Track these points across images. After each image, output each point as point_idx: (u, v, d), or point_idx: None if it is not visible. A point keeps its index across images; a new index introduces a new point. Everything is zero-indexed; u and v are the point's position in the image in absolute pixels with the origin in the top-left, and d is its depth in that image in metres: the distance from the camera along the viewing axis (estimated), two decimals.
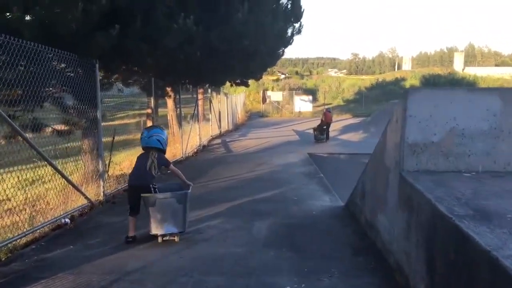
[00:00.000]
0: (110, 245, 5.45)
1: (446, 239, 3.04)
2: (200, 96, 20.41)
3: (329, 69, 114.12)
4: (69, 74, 7.02)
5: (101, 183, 7.67)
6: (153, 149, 5.67)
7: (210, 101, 20.31)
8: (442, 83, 51.99)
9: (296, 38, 13.21)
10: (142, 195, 5.44)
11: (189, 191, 5.62)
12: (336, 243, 5.47)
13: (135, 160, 5.88)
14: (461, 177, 4.06)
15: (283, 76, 75.36)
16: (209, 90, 20.63)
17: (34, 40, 5.66)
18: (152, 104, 10.85)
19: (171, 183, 6.27)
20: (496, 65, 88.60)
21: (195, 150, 15.64)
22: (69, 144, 7.97)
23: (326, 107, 23.24)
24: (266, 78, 54.52)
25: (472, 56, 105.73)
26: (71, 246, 5.40)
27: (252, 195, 8.30)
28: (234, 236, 5.74)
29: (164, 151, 5.83)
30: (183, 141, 14.01)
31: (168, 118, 19.38)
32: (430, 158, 4.19)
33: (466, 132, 4.15)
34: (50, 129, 8.14)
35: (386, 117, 19.02)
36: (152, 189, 5.55)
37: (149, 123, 14.82)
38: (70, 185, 6.79)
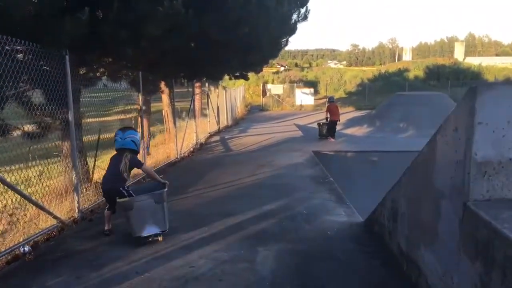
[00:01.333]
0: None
1: None
2: (197, 91, 19.21)
3: (329, 61, 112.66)
4: (32, 68, 5.77)
5: (76, 197, 6.45)
6: (127, 150, 5.65)
7: (208, 96, 19.06)
8: (446, 74, 50.62)
9: (300, 26, 11.78)
10: (118, 200, 5.40)
11: (166, 189, 5.55)
12: (364, 282, 4.27)
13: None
14: None
15: (282, 68, 73.99)
16: (207, 84, 19.38)
17: None
18: (140, 101, 9.58)
19: (145, 185, 6.29)
20: (497, 55, 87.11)
21: (191, 149, 14.43)
22: (34, 147, 6.74)
23: (329, 96, 21.65)
24: (266, 71, 53.13)
25: (472, 46, 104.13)
26: None
27: (254, 208, 7.09)
28: (233, 272, 4.53)
29: (137, 153, 5.84)
30: (178, 139, 12.80)
31: (163, 114, 18.15)
32: (507, 181, 2.98)
33: None
34: (17, 130, 6.95)
35: (392, 110, 17.95)
36: (125, 192, 5.46)
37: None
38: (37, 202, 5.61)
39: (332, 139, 17.46)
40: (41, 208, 5.60)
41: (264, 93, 41.63)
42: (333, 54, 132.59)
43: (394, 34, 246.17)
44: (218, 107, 21.29)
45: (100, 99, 9.03)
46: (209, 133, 18.68)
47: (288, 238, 5.60)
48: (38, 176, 5.94)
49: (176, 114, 13.88)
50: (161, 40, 6.75)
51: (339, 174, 11.75)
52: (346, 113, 30.52)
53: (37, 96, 6.48)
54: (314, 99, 41.33)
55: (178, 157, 12.47)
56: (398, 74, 53.69)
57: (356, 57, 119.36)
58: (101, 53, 7.15)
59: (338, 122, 18.23)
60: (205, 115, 19.67)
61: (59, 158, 7.41)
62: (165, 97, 17.18)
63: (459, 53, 70.90)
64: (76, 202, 6.44)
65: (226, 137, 18.65)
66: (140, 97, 9.59)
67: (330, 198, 7.84)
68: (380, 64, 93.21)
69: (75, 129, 7.60)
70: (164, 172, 10.61)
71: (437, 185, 3.52)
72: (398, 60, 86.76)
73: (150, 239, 5.37)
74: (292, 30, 11.75)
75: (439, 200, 3.45)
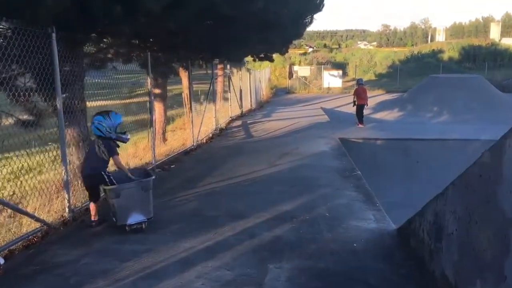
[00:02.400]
0: None
1: None
2: (220, 73, 18.34)
3: (359, 42, 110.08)
4: (13, 48, 4.97)
5: (66, 195, 5.69)
6: (97, 136, 5.48)
7: (229, 78, 18.13)
8: (483, 55, 48.19)
9: (327, 2, 10.64)
10: (104, 187, 5.37)
11: (153, 177, 5.59)
12: None
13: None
14: None
15: (310, 49, 72.34)
16: (228, 66, 18.44)
17: None
18: (149, 84, 8.75)
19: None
20: None
21: (210, 135, 13.62)
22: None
23: (358, 78, 20.35)
24: (293, 52, 51.70)
25: (509, 26, 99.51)
26: None
27: (269, 208, 6.21)
28: None
29: (109, 138, 5.47)
30: (195, 125, 11.97)
31: (183, 97, 17.39)
32: None
33: None
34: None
35: (425, 93, 16.70)
36: (106, 177, 5.30)
37: (157, 105, 12.93)
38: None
39: (360, 125, 16.40)
40: (18, 210, 4.86)
41: (290, 75, 40.48)
42: (363, 35, 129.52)
43: (427, 14, 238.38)
44: (241, 90, 20.36)
45: (102, 81, 8.25)
46: (231, 117, 17.83)
47: (305, 251, 4.71)
48: (19, 171, 5.21)
49: (195, 98, 13.04)
50: (163, 17, 5.86)
51: (367, 165, 10.78)
52: (376, 96, 29.12)
53: (20, 80, 5.71)
54: (342, 82, 39.89)
55: (195, 144, 11.66)
56: (431, 56, 51.40)
57: (387, 38, 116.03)
58: (97, 32, 6.32)
59: (366, 106, 17.13)
60: (226, 99, 18.82)
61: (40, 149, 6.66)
62: (184, 79, 16.40)
63: (495, 34, 67.71)
64: (66, 200, 5.69)
65: (248, 121, 17.76)
66: (149, 80, 8.76)
67: (357, 197, 6.89)
68: (412, 45, 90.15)
69: (79, 115, 6.87)
70: (177, 161, 9.86)
71: (505, 209, 2.55)
72: (431, 41, 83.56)
73: (134, 227, 5.33)
74: (317, 6, 10.65)
75: (508, 229, 2.49)
